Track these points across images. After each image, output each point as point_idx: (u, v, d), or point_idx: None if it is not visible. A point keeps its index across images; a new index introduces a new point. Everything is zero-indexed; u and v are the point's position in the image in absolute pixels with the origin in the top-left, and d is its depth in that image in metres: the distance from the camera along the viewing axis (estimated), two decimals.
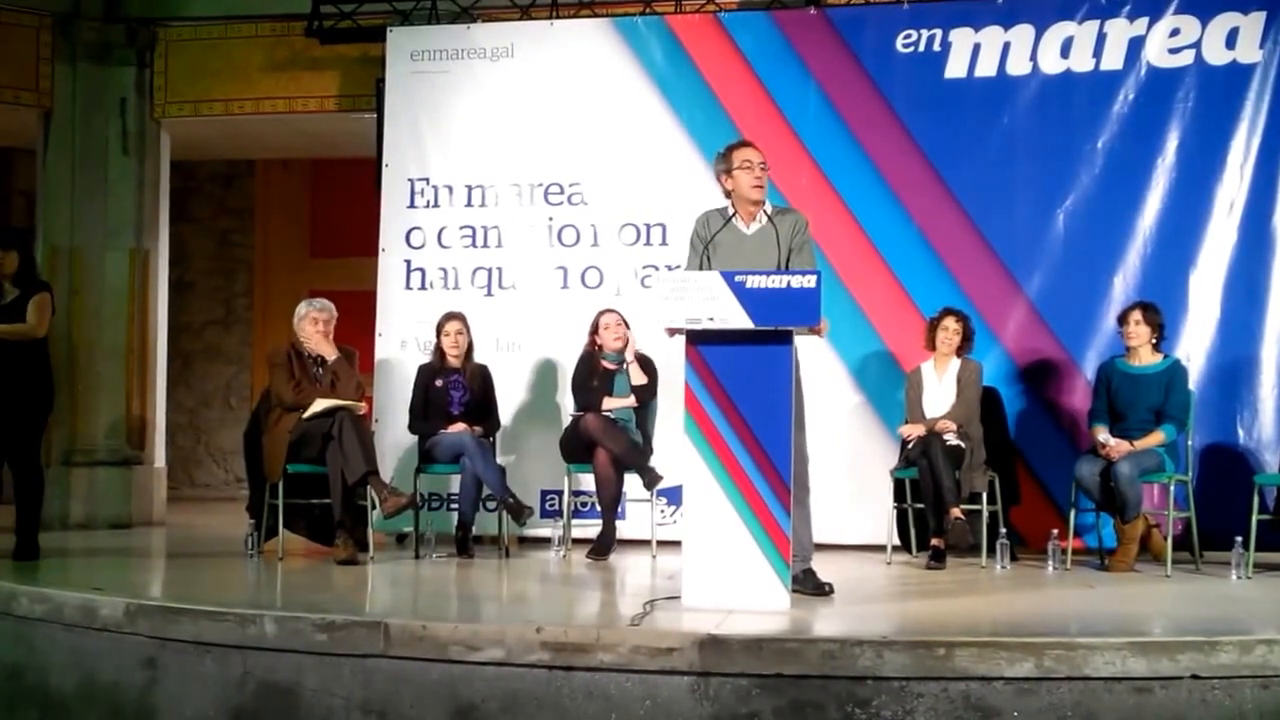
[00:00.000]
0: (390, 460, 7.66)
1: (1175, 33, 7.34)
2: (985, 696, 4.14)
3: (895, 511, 7.06)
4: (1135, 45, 7.38)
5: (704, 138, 7.71)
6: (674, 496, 7.04)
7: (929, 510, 6.70)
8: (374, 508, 6.76)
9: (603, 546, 6.98)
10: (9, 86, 8.88)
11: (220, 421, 12.12)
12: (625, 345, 7.22)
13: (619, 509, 7.16)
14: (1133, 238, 7.32)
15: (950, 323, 7.00)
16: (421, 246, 8.10)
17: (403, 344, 8.00)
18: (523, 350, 7.91)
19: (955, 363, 7.00)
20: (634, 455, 7.02)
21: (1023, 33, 7.52)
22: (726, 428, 5.00)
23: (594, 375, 7.24)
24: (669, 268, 7.43)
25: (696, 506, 5.03)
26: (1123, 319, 6.78)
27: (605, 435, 6.96)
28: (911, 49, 7.65)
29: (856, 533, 7.24)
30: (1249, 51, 7.25)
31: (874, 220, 7.58)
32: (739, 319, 4.95)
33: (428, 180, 8.14)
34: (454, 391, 7.25)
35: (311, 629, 4.60)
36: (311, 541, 7.10)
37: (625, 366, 7.22)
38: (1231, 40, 7.27)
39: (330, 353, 6.98)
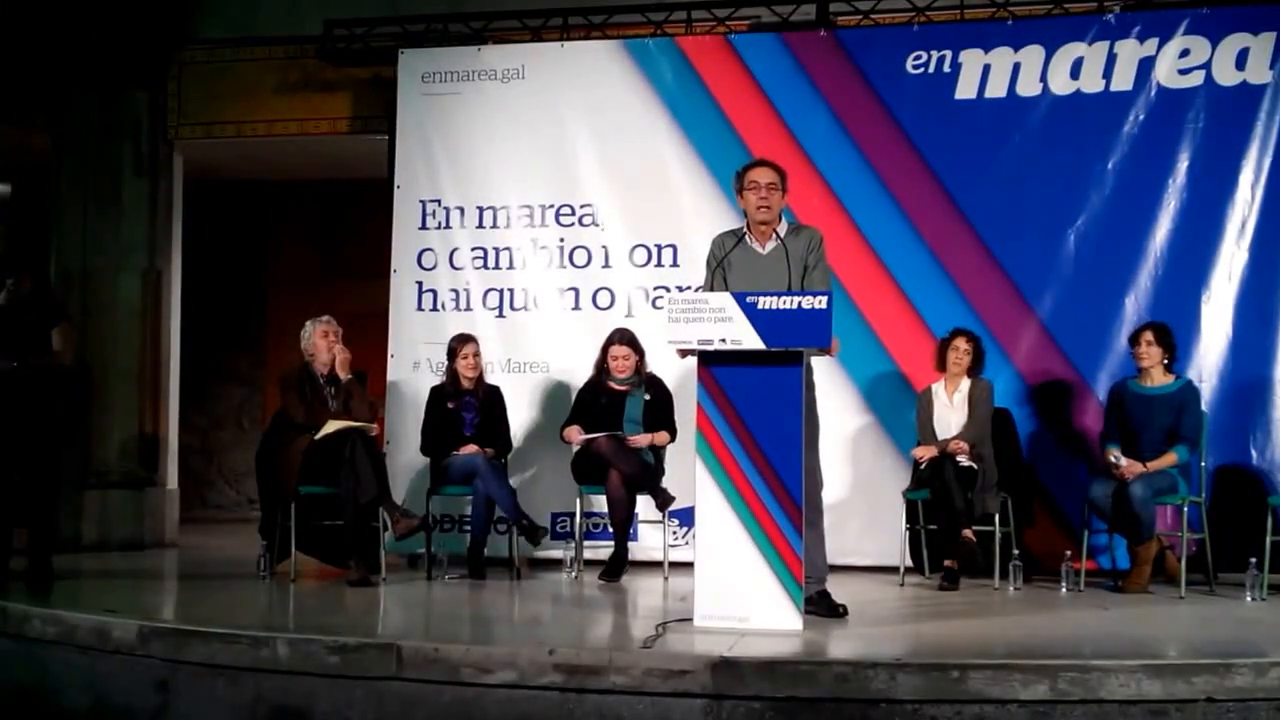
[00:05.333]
0: (402, 482, 7.66)
1: (1185, 53, 7.33)
2: None
3: (908, 533, 7.05)
4: (1145, 66, 7.37)
5: (715, 159, 7.74)
6: (686, 518, 7.04)
7: (941, 532, 6.68)
8: (386, 529, 6.76)
9: (615, 568, 6.97)
10: (24, 109, 8.90)
11: (233, 443, 12.12)
12: (635, 371, 7.22)
13: (631, 530, 7.17)
14: (1144, 258, 7.31)
15: (961, 343, 7.00)
16: (433, 268, 8.11)
17: (415, 365, 8.01)
18: (534, 371, 7.91)
19: (966, 383, 7.00)
20: (646, 476, 7.01)
21: (1032, 54, 7.51)
22: (738, 448, 5.01)
23: (601, 396, 7.24)
24: (680, 289, 7.44)
25: (708, 528, 5.04)
26: (1134, 340, 6.77)
27: (617, 456, 6.95)
28: (921, 70, 7.65)
29: (869, 554, 7.20)
30: (1259, 72, 7.24)
31: (884, 240, 7.57)
32: (750, 340, 4.97)
33: (439, 201, 8.15)
34: (466, 413, 7.26)
35: (324, 651, 4.61)
36: (324, 563, 7.09)
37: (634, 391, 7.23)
38: (1241, 61, 7.26)
39: (344, 370, 7.01)
